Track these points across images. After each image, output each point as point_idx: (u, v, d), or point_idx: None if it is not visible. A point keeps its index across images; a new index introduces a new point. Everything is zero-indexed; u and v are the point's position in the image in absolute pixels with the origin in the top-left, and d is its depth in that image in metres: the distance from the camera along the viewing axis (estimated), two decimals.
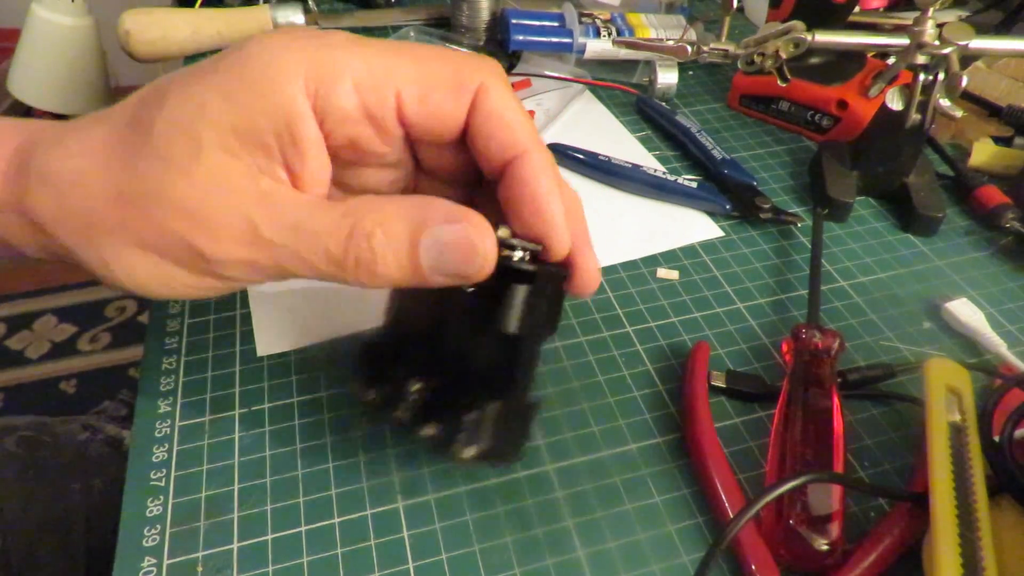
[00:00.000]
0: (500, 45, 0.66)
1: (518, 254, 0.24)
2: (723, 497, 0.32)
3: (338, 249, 0.21)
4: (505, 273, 0.24)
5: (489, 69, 0.25)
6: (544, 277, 0.25)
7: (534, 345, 0.28)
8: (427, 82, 0.24)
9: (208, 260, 0.22)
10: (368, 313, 0.40)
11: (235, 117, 0.21)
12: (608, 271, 0.46)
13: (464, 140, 0.25)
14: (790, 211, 0.50)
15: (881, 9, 0.72)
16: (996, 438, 0.31)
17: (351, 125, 0.23)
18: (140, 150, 0.22)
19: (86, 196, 0.22)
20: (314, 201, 0.23)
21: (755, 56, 0.49)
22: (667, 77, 0.61)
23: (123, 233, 0.22)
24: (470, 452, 0.26)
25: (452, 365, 0.27)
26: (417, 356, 0.28)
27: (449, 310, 0.27)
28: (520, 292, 0.25)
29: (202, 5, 0.72)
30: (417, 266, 0.22)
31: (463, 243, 0.22)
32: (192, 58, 0.67)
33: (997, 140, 0.55)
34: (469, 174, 0.28)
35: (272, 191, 0.22)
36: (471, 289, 0.24)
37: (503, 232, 0.24)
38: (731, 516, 0.31)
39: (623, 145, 0.57)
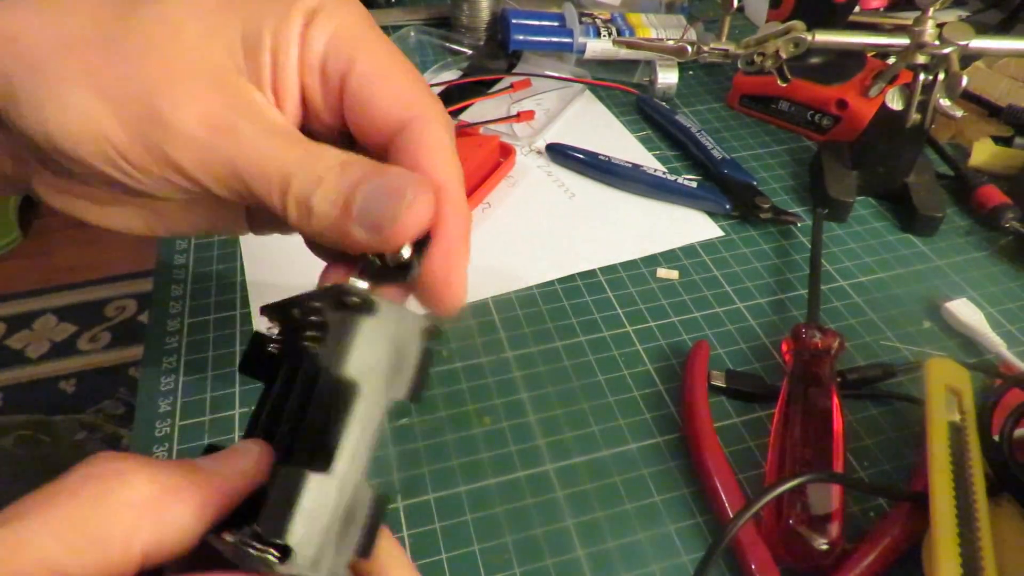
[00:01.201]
0: (500, 45, 0.66)
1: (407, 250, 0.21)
2: (723, 497, 0.32)
3: (296, 168, 0.20)
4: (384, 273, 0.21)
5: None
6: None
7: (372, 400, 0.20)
8: (389, 71, 0.22)
9: (164, 126, 0.20)
10: None
11: (249, 22, 0.21)
12: (608, 271, 0.46)
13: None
14: (790, 211, 0.50)
15: (881, 9, 0.72)
16: (996, 438, 0.31)
17: (308, 72, 0.22)
18: (138, 10, 0.20)
19: (64, 31, 0.20)
20: (292, 128, 0.22)
21: (755, 56, 0.49)
22: (667, 77, 0.62)
23: (83, 78, 0.19)
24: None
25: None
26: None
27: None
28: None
29: None
30: (348, 208, 0.20)
31: (395, 187, 0.20)
32: None
33: (997, 140, 0.55)
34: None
35: (263, 103, 0.21)
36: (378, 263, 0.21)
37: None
38: (731, 516, 0.31)
39: (623, 145, 0.57)
